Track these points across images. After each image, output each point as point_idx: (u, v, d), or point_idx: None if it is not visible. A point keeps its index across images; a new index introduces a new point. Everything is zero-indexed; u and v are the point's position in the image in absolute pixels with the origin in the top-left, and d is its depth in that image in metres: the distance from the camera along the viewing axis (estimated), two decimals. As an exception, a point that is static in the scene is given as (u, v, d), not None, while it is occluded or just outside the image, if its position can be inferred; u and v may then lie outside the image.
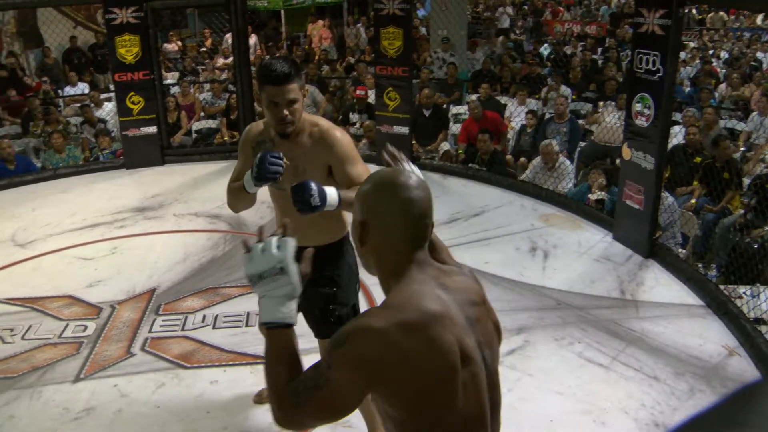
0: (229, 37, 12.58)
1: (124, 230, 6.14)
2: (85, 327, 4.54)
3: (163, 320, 4.56)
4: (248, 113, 7.89)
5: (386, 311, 1.47)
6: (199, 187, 7.18)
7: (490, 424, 1.56)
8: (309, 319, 2.96)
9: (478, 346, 1.53)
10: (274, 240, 1.62)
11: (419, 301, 1.46)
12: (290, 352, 1.56)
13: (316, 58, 12.36)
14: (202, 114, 9.29)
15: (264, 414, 3.51)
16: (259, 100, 2.81)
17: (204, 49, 13.01)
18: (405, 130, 7.50)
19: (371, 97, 8.57)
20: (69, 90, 10.50)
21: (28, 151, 8.41)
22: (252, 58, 9.18)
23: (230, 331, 4.38)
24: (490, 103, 8.37)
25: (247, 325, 4.42)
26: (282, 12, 14.59)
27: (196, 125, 9.02)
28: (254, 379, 3.85)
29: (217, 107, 9.37)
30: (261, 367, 3.55)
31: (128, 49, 7.68)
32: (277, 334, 1.58)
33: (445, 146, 8.07)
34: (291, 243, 1.61)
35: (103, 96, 9.48)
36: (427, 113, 8.11)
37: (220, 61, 12.00)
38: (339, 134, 2.72)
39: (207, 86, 10.11)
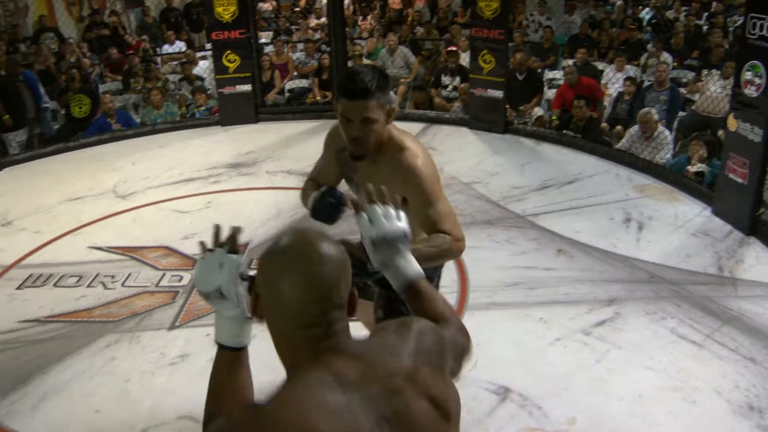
0: (321, -4, 12.73)
1: (218, 185, 6.32)
2: (181, 277, 4.72)
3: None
4: (341, 74, 7.92)
5: (258, 426, 1.17)
6: (292, 146, 7.29)
7: None
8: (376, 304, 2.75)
9: None
10: (217, 258, 1.49)
11: (300, 422, 1.15)
12: (232, 375, 1.47)
13: (410, 19, 12.24)
14: (295, 73, 9.38)
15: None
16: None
17: (298, 9, 13.08)
18: (499, 93, 7.38)
19: (465, 60, 8.44)
20: (167, 48, 10.78)
21: (128, 106, 8.73)
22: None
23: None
24: (586, 69, 8.12)
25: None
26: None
27: (289, 84, 9.12)
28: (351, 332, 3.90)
29: (310, 67, 9.43)
30: (358, 323, 3.60)
31: (225, 7, 7.81)
32: (224, 354, 1.50)
33: (539, 112, 7.90)
34: (234, 262, 1.47)
35: (198, 54, 9.70)
36: (520, 77, 7.93)
37: (314, 21, 12.06)
38: (420, 167, 2.29)
39: (300, 46, 10.19)
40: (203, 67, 9.30)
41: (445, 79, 8.61)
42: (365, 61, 9.17)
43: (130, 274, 4.72)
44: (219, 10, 7.81)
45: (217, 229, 1.55)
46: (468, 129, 7.67)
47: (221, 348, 1.48)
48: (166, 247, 5.08)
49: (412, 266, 1.60)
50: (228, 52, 7.90)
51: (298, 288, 1.25)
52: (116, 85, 9.36)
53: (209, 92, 8.69)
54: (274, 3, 13.57)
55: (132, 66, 9.30)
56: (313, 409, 1.16)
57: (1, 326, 4.28)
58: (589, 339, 3.88)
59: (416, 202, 2.27)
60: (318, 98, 8.74)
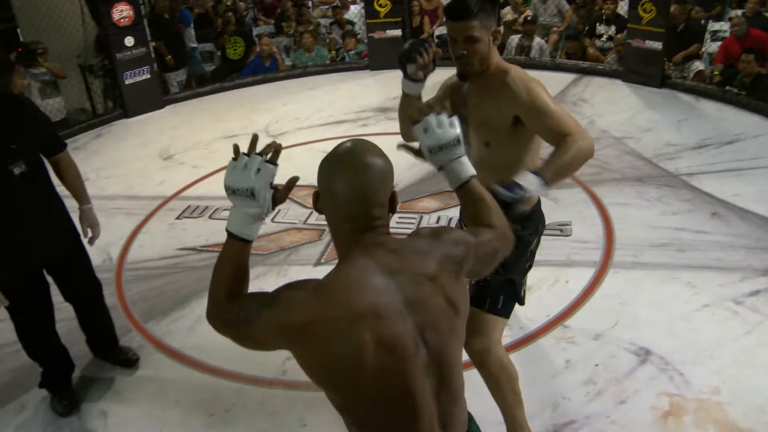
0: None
1: (366, 129, 6.41)
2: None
3: (400, 217, 4.73)
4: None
5: (316, 293, 1.49)
6: (438, 92, 7.21)
7: (430, 403, 1.55)
8: None
9: (417, 328, 1.50)
10: (257, 162, 1.60)
11: (347, 294, 1.47)
12: (240, 264, 1.63)
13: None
14: (444, 20, 9.22)
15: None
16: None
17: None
18: (658, 45, 6.96)
19: (623, 9, 7.99)
20: (319, -8, 10.91)
21: (279, 49, 8.93)
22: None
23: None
24: (757, 20, 7.45)
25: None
26: None
27: (438, 30, 9.00)
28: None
29: (460, 13, 9.23)
30: None
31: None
32: (235, 244, 1.63)
33: (699, 66, 7.36)
34: (270, 171, 1.60)
35: (350, -2, 9.75)
36: (679, 28, 7.40)
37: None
38: (527, 83, 2.35)
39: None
40: (354, 12, 9.35)
41: (600, 29, 8.22)
42: (522, 8, 8.87)
43: (279, 211, 4.91)
44: (375, -46, 7.79)
45: (255, 138, 1.65)
46: (622, 81, 7.31)
47: (233, 238, 1.63)
48: (315, 187, 5.19)
49: (465, 168, 1.76)
50: (382, -4, 7.90)
51: (345, 189, 1.53)
52: (269, 29, 9.59)
53: (359, 36, 8.73)
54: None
55: (285, 10, 9.48)
56: (361, 285, 1.48)
57: (163, 252, 4.59)
58: (740, 308, 3.64)
59: (532, 117, 2.34)
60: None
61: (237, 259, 1.63)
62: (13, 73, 3.40)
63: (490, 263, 1.75)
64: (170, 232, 4.88)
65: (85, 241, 3.27)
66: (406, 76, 2.43)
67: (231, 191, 1.61)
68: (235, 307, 1.58)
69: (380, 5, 7.90)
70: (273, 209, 1.64)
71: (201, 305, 3.92)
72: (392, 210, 1.61)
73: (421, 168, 5.37)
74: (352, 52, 8.48)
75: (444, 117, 1.73)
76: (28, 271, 3.08)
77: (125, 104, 7.52)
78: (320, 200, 1.60)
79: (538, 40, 8.04)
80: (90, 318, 3.48)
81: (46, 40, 7.30)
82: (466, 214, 1.79)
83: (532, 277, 3.76)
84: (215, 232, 4.78)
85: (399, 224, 4.63)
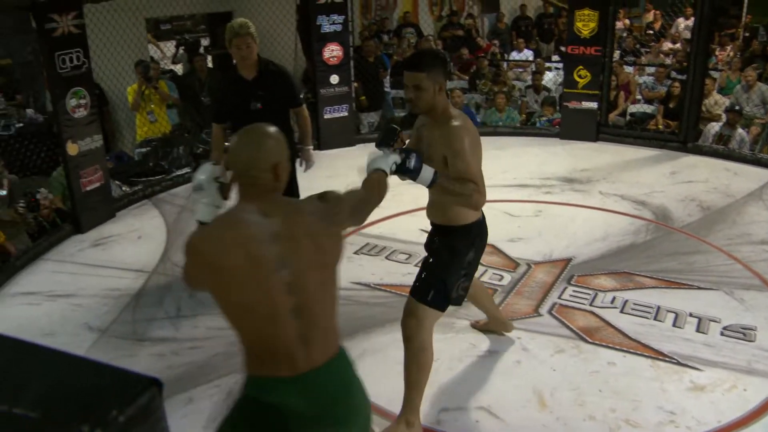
0: (680, 21, 12.07)
1: (549, 196, 6.36)
2: (501, 277, 4.84)
3: (574, 290, 4.63)
4: (693, 105, 7.48)
5: (203, 230, 2.21)
6: (629, 170, 7.07)
7: (289, 319, 2.00)
8: None
9: (278, 258, 1.98)
10: (206, 166, 2.57)
11: (225, 220, 2.10)
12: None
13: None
14: (639, 97, 9.05)
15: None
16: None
17: (651, 31, 12.59)
18: None
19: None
20: (514, 55, 11.05)
21: (470, 105, 9.09)
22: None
23: (637, 319, 4.28)
24: None
25: (655, 319, 4.27)
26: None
27: (632, 107, 8.84)
28: (653, 372, 3.74)
29: (657, 92, 9.05)
30: (661, 364, 3.41)
31: (585, 23, 7.78)
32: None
33: None
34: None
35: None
36: None
37: (667, 46, 11.52)
38: (460, 132, 2.95)
39: (650, 69, 9.80)
40: (547, 78, 9.37)
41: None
42: (716, 94, 8.52)
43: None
44: (579, 24, 7.80)
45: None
46: None
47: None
48: (492, 246, 5.21)
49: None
50: (580, 67, 7.87)
51: (241, 154, 2.06)
52: (462, 84, 9.80)
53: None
54: (627, 21, 13.21)
55: (480, 68, 9.69)
56: (233, 221, 2.06)
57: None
58: None
59: (452, 157, 2.94)
60: (660, 126, 8.34)
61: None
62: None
63: (359, 215, 2.36)
64: (347, 265, 5.01)
65: (300, 169, 4.73)
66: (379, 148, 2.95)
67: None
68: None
69: (580, 76, 7.86)
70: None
71: (368, 340, 4.06)
72: (276, 178, 2.07)
73: (603, 244, 5.28)
74: (544, 118, 8.49)
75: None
76: None
77: (320, 137, 7.94)
78: (229, 163, 2.14)
79: (740, 131, 7.68)
80: None
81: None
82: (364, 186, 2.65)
83: (707, 376, 3.69)
84: (390, 273, 4.91)
85: (572, 297, 4.54)
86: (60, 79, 5.56)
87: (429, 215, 3.32)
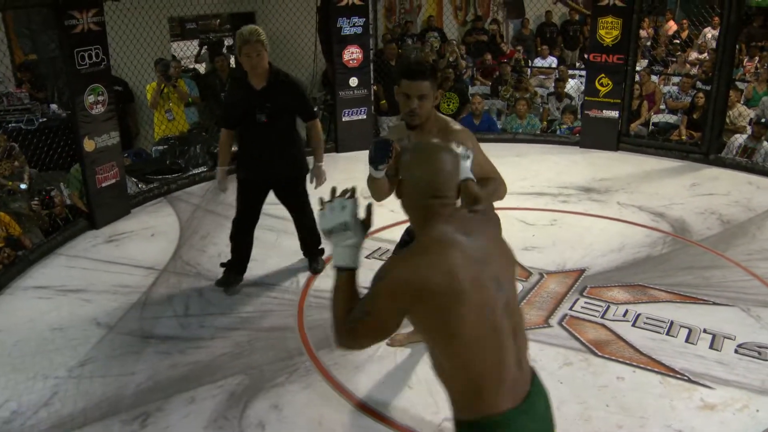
0: (707, 31, 11.91)
1: (566, 205, 6.29)
2: (515, 286, 4.76)
3: (586, 302, 4.57)
4: (717, 116, 7.35)
5: (414, 254, 1.87)
6: (649, 181, 6.97)
7: (511, 344, 1.89)
8: None
9: (495, 278, 1.87)
10: (339, 202, 2.02)
11: (440, 246, 1.85)
12: (351, 289, 1.96)
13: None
14: (663, 107, 8.93)
15: None
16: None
17: (677, 41, 12.44)
18: None
19: None
20: (538, 61, 10.99)
21: (491, 111, 9.04)
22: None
23: (649, 334, 4.20)
24: None
25: (668, 334, 4.19)
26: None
27: (656, 117, 8.72)
28: (662, 389, 3.66)
29: (681, 103, 8.93)
30: (672, 380, 3.36)
31: (608, 31, 7.70)
32: (344, 275, 1.98)
33: None
34: (353, 204, 2.02)
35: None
36: None
37: (694, 55, 11.37)
38: (459, 129, 3.03)
39: (674, 79, 9.68)
40: (570, 86, 9.29)
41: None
42: (740, 106, 8.38)
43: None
44: (602, 32, 7.72)
45: (334, 189, 2.10)
46: None
47: (341, 270, 1.99)
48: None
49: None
50: (602, 75, 7.78)
51: (431, 172, 1.93)
52: (484, 89, 9.76)
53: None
54: (651, 30, 13.06)
55: (503, 74, 9.62)
56: (448, 244, 1.85)
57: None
58: None
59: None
60: (683, 137, 8.22)
61: (349, 287, 1.97)
62: None
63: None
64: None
65: (311, 186, 4.69)
66: (374, 168, 2.81)
67: (328, 232, 2.02)
68: (351, 319, 1.90)
69: (601, 84, 7.76)
70: (365, 233, 2.03)
71: (377, 346, 4.01)
72: (457, 196, 2.00)
73: (618, 256, 5.21)
74: (564, 126, 8.41)
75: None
76: (258, 178, 4.61)
77: (338, 139, 7.94)
78: (403, 186, 1.99)
79: (765, 144, 7.53)
80: (301, 221, 4.87)
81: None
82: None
83: (718, 395, 3.61)
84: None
85: (584, 309, 4.47)
86: (79, 76, 5.60)
87: None
